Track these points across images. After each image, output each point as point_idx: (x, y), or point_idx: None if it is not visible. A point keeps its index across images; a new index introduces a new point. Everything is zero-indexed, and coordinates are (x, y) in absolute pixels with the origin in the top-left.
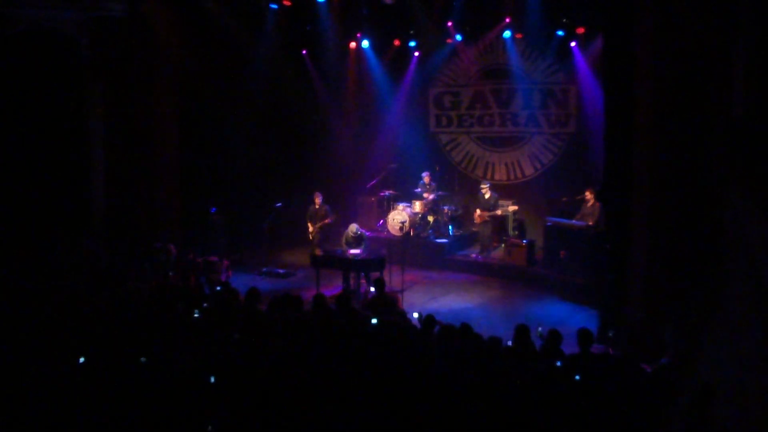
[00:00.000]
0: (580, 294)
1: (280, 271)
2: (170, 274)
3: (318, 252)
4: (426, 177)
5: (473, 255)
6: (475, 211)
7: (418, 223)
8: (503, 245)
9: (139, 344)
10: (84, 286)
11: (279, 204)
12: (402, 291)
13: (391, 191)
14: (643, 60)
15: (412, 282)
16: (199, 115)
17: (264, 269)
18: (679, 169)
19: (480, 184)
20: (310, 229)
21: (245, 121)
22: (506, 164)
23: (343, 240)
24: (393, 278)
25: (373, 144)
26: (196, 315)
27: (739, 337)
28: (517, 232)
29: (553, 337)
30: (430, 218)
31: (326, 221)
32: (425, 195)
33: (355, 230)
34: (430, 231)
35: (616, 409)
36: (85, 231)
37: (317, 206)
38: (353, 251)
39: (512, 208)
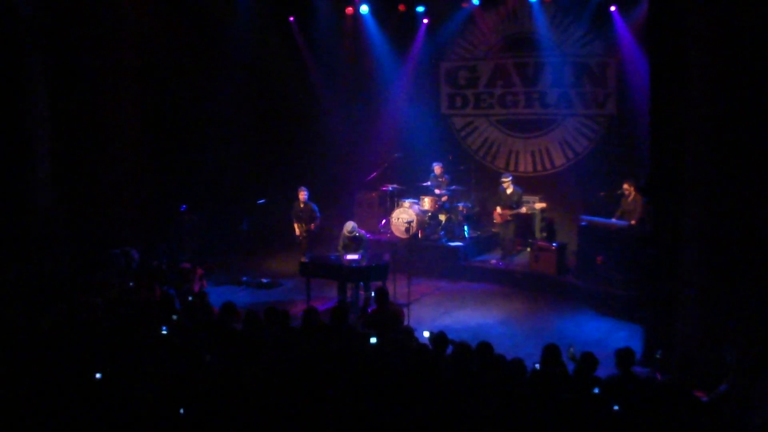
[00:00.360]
0: (620, 307)
1: (263, 280)
2: (131, 284)
3: (306, 258)
4: (437, 169)
5: (493, 261)
6: (495, 209)
7: (427, 223)
8: (529, 249)
9: (92, 370)
10: (25, 301)
11: (262, 201)
12: (408, 304)
13: (395, 185)
14: (698, 28)
15: (420, 293)
16: (165, 97)
17: (244, 278)
18: (742, 161)
19: (501, 177)
20: (297, 230)
21: (222, 104)
22: (532, 153)
23: (340, 243)
24: (398, 289)
25: (373, 129)
26: (163, 332)
27: None
28: (545, 234)
29: (589, 359)
30: (442, 217)
31: (310, 226)
32: (436, 190)
33: (350, 229)
34: (442, 233)
35: None
36: (25, 235)
37: (301, 205)
38: (350, 257)
39: (539, 205)
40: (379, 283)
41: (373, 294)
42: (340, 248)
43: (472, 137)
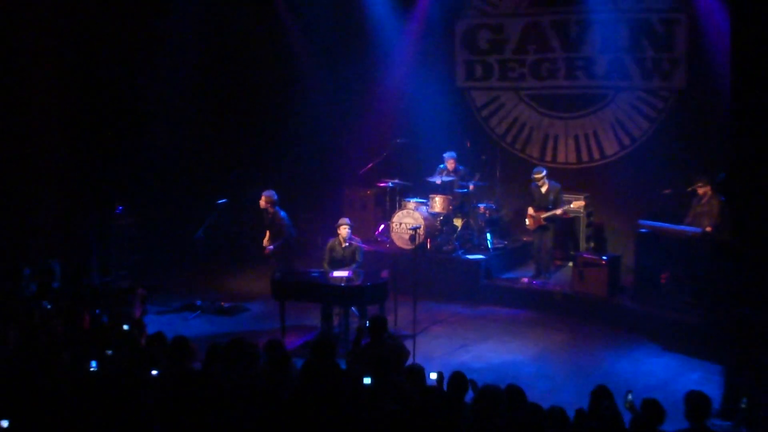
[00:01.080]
0: (692, 340)
1: (224, 304)
2: (48, 307)
3: (278, 275)
4: (450, 160)
5: (524, 280)
6: (528, 212)
7: (438, 229)
8: (571, 264)
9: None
10: None
11: (222, 201)
12: (414, 335)
13: (396, 180)
14: None
15: (429, 321)
16: (95, 78)
17: (199, 302)
18: None
19: (534, 171)
20: (265, 241)
21: (170, 84)
22: (575, 138)
23: (326, 255)
24: (400, 315)
25: (368, 108)
26: (92, 369)
27: None
28: (592, 244)
29: (651, 408)
30: (458, 222)
31: (265, 252)
32: (449, 185)
33: (346, 235)
34: (457, 242)
35: None
36: None
37: (270, 213)
38: (338, 273)
39: (583, 205)
40: (375, 308)
41: (367, 323)
42: (325, 261)
43: (497, 118)
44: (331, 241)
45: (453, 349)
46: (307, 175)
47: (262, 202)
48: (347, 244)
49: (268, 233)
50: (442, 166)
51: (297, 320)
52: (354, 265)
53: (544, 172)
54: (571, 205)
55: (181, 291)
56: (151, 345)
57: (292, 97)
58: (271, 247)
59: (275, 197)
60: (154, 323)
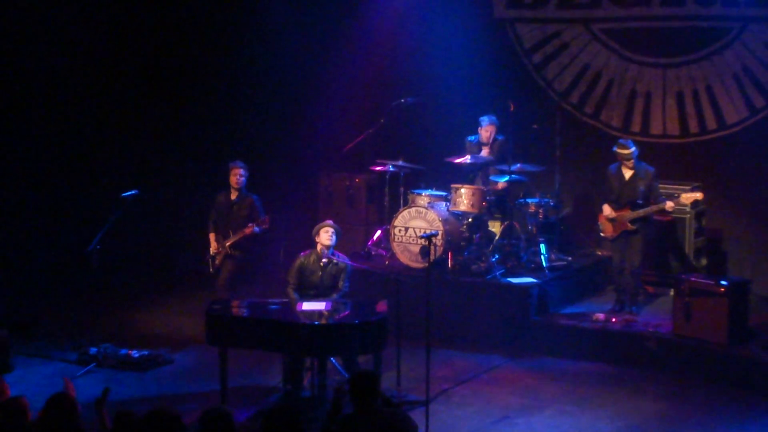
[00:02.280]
0: None
1: (133, 353)
2: None
3: (218, 307)
4: (487, 128)
5: (600, 316)
6: (603, 211)
7: (465, 238)
8: (672, 293)
9: None
10: None
11: (130, 194)
12: (427, 402)
13: (400, 163)
14: None
15: (451, 379)
16: None
17: (94, 349)
18: None
19: (615, 146)
20: (213, 247)
21: (49, 41)
22: (679, 97)
23: (292, 275)
24: (406, 370)
25: (355, 56)
26: None
27: None
28: (705, 261)
29: None
30: (495, 227)
31: (246, 231)
32: (482, 169)
33: (328, 245)
34: (495, 257)
35: None
36: None
37: (234, 195)
38: (310, 306)
39: (692, 201)
40: (369, 359)
41: (348, 383)
42: (291, 287)
43: (557, 65)
44: (301, 257)
45: (488, 425)
46: (260, 157)
47: (239, 176)
48: (326, 261)
49: (212, 237)
50: (472, 138)
51: (247, 378)
52: (337, 294)
53: (633, 148)
54: (673, 202)
55: (67, 332)
56: (8, 415)
57: (237, 45)
58: (252, 228)
59: (247, 171)
60: (22, 383)
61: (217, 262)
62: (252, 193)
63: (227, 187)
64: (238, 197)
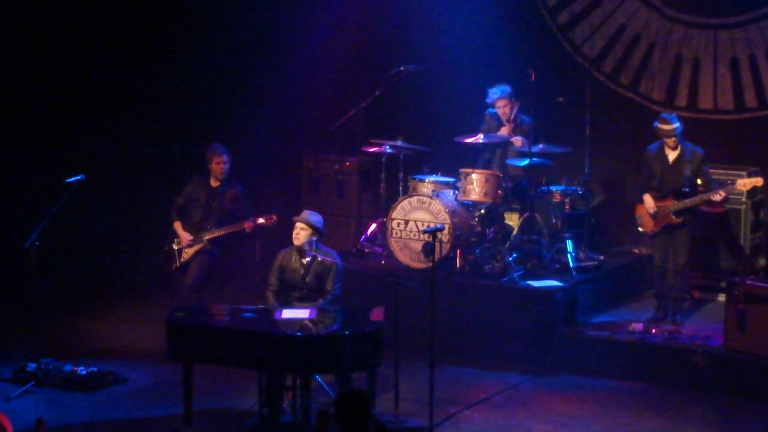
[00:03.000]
0: None
1: (80, 370)
2: None
3: (182, 315)
4: (502, 102)
5: (637, 326)
6: (644, 201)
7: (477, 233)
8: (723, 298)
9: None
10: None
11: (76, 179)
12: (431, 428)
13: (399, 143)
14: None
15: (460, 401)
16: None
17: (32, 365)
18: None
19: (656, 121)
20: (184, 239)
21: None
22: (734, 64)
23: (273, 277)
24: (404, 392)
25: (346, 20)
26: None
27: None
28: (764, 261)
29: None
30: (513, 219)
31: (246, 226)
32: (498, 150)
33: (304, 241)
34: (512, 256)
35: None
36: None
37: (215, 184)
38: (292, 313)
39: (749, 184)
40: (362, 378)
41: (333, 406)
42: (270, 289)
43: (586, 27)
44: (282, 254)
45: None
46: (233, 136)
47: (222, 163)
48: (309, 259)
49: (179, 226)
50: (493, 110)
51: (216, 400)
52: (325, 299)
53: (676, 124)
54: (725, 191)
55: (1, 344)
56: None
57: (206, 6)
58: (247, 225)
59: (230, 156)
60: None
61: (185, 256)
62: (237, 183)
63: (205, 173)
64: (221, 187)
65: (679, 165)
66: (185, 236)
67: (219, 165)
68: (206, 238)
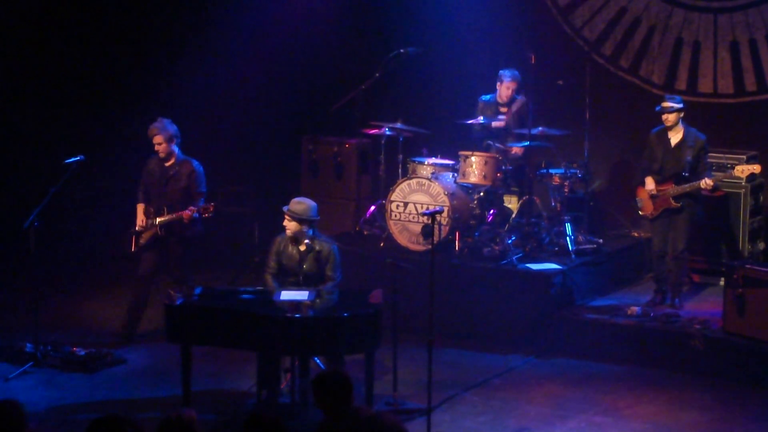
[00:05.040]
0: None
1: (79, 351)
2: None
3: (179, 297)
4: (506, 85)
5: (635, 309)
6: (645, 184)
7: (476, 216)
8: (722, 282)
9: None
10: None
11: (75, 159)
12: (429, 410)
13: (399, 125)
14: None
15: (458, 384)
16: None
17: (30, 346)
18: None
19: (660, 104)
20: (140, 222)
21: None
22: (734, 48)
23: (272, 261)
24: (403, 374)
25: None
26: None
27: None
28: (762, 245)
29: None
30: (512, 202)
31: (184, 215)
32: (498, 133)
33: (289, 234)
34: (512, 239)
35: None
36: None
37: (169, 161)
38: (290, 295)
39: (748, 170)
40: (360, 359)
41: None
42: (268, 273)
43: (586, 9)
44: (279, 239)
45: None
46: (231, 117)
47: (162, 143)
48: (306, 247)
49: (140, 208)
50: (486, 98)
51: (215, 382)
52: (328, 284)
53: (682, 105)
54: (727, 173)
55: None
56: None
57: None
58: (188, 212)
59: (177, 132)
60: None
61: (141, 240)
62: (192, 158)
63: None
64: (172, 167)
65: (681, 149)
66: (139, 218)
67: (158, 146)
68: (158, 221)
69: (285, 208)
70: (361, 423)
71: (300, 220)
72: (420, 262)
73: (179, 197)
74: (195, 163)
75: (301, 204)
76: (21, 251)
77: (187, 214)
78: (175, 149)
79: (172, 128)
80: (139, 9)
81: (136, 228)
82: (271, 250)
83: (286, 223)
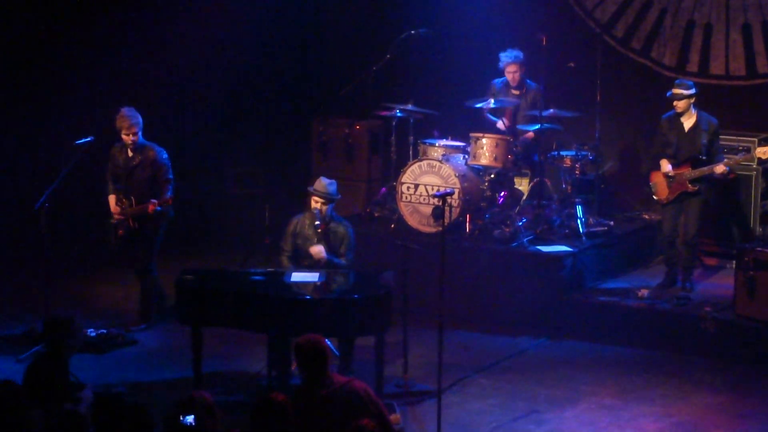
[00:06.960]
0: None
1: (90, 332)
2: None
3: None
4: (513, 66)
5: (644, 292)
6: (662, 167)
7: (487, 198)
8: (733, 265)
9: None
10: None
11: (85, 141)
12: (439, 392)
13: (410, 107)
14: None
15: (469, 366)
16: None
17: (40, 327)
18: None
19: (672, 88)
20: (115, 213)
21: None
22: (746, 30)
23: (288, 242)
24: (413, 356)
25: None
26: None
27: None
28: None
29: None
30: (522, 184)
31: (149, 209)
32: (505, 120)
33: (321, 209)
34: (522, 221)
35: None
36: None
37: (130, 145)
38: (302, 276)
39: (761, 157)
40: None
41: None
42: (284, 255)
43: None
44: (295, 220)
45: (510, 421)
46: (241, 99)
47: (136, 134)
48: (322, 223)
49: (112, 196)
50: (497, 81)
51: (225, 363)
52: (342, 262)
53: (693, 90)
54: (740, 157)
55: (10, 306)
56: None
57: None
58: (151, 207)
59: (140, 121)
60: None
61: (120, 232)
62: (155, 143)
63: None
64: (137, 152)
65: (696, 133)
66: (114, 210)
67: (131, 136)
68: (130, 213)
69: (311, 189)
70: (334, 388)
71: (330, 199)
72: (430, 244)
73: (146, 187)
74: (157, 148)
75: (331, 184)
76: (32, 232)
77: (151, 207)
78: (137, 137)
79: (140, 117)
80: None
81: (113, 221)
82: (286, 232)
83: (318, 205)
